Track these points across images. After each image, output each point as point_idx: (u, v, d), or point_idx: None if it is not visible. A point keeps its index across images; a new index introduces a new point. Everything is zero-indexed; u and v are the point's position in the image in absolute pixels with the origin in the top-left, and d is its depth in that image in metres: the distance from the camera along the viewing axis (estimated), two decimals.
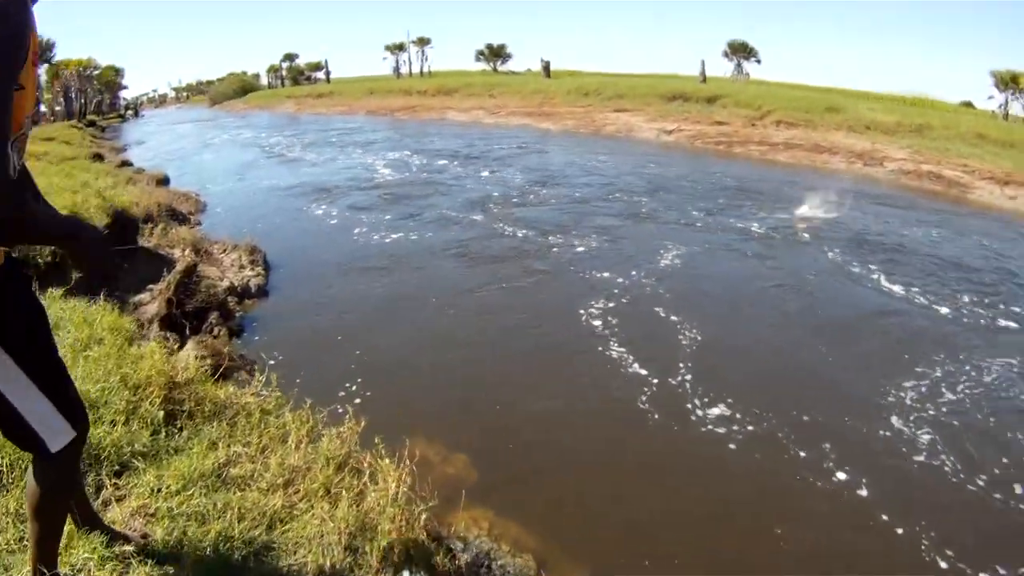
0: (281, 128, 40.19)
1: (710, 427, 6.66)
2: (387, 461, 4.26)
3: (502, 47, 59.98)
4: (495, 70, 57.41)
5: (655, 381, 7.50)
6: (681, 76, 44.64)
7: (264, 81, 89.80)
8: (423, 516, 4.10)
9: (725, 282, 11.17)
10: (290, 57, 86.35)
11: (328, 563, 3.39)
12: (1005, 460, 6.30)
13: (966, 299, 10.49)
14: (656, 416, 6.83)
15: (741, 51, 48.09)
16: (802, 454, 6.24)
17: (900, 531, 5.23)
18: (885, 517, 5.37)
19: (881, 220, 15.93)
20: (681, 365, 7.86)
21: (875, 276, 11.44)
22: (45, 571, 2.58)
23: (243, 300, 9.60)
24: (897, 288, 10.85)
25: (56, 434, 2.36)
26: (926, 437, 6.64)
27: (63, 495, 2.58)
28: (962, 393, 7.65)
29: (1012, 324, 9.73)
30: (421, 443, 5.53)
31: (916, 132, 25.88)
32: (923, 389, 7.65)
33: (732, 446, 6.36)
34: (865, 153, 24.45)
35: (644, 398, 7.16)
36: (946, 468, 6.15)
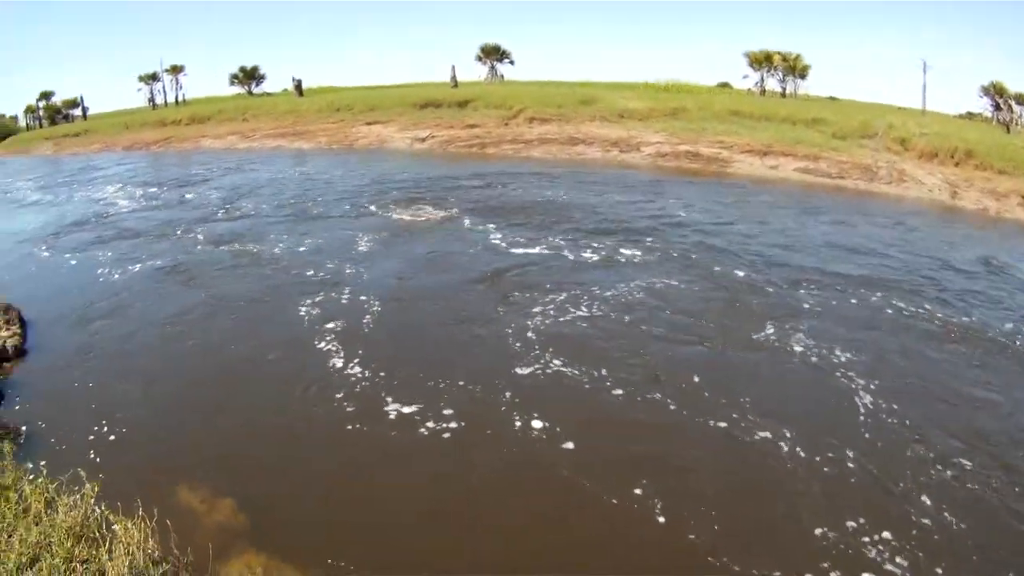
0: (36, 172, 37.24)
1: (419, 422, 6.99)
2: (128, 524, 4.04)
3: (255, 69, 57.84)
4: (250, 93, 55.37)
5: (362, 374, 8.02)
6: (434, 84, 44.77)
7: (23, 123, 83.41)
8: None
9: (403, 260, 12.53)
10: (46, 95, 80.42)
11: None
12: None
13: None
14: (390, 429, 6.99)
15: (494, 54, 48.65)
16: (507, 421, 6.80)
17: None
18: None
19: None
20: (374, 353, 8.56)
21: (499, 241, 13.63)
22: None
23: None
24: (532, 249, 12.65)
25: None
26: (557, 362, 8.15)
27: None
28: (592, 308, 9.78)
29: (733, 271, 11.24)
30: (184, 493, 5.33)
31: (671, 116, 27.45)
32: (551, 311, 9.62)
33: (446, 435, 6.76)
34: (620, 140, 25.65)
35: (369, 402, 7.39)
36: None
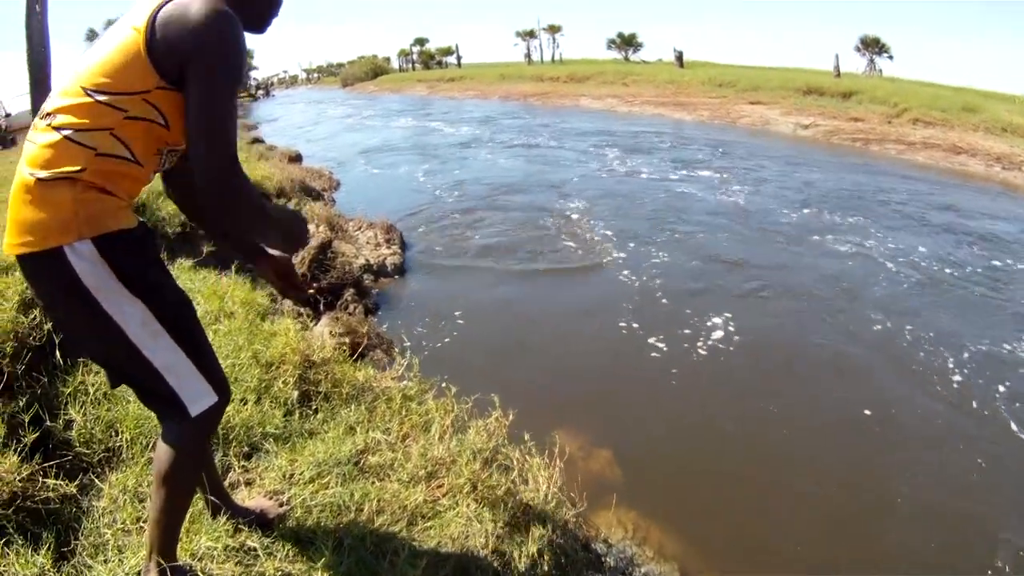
0: (415, 110, 40.48)
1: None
2: (537, 459, 3.93)
3: (633, 36, 59.13)
4: (627, 59, 56.76)
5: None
6: (814, 70, 42.50)
7: (395, 64, 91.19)
8: (572, 521, 3.76)
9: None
10: (421, 41, 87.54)
11: (474, 566, 3.09)
12: None
13: None
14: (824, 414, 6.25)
15: (873, 46, 45.80)
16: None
17: None
18: None
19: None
20: None
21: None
22: (162, 561, 2.37)
23: (379, 278, 9.41)
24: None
25: (197, 397, 2.24)
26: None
27: (194, 465, 2.41)
28: None
29: None
30: (565, 437, 5.18)
31: None
32: None
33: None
34: (1003, 156, 22.32)
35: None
36: None
